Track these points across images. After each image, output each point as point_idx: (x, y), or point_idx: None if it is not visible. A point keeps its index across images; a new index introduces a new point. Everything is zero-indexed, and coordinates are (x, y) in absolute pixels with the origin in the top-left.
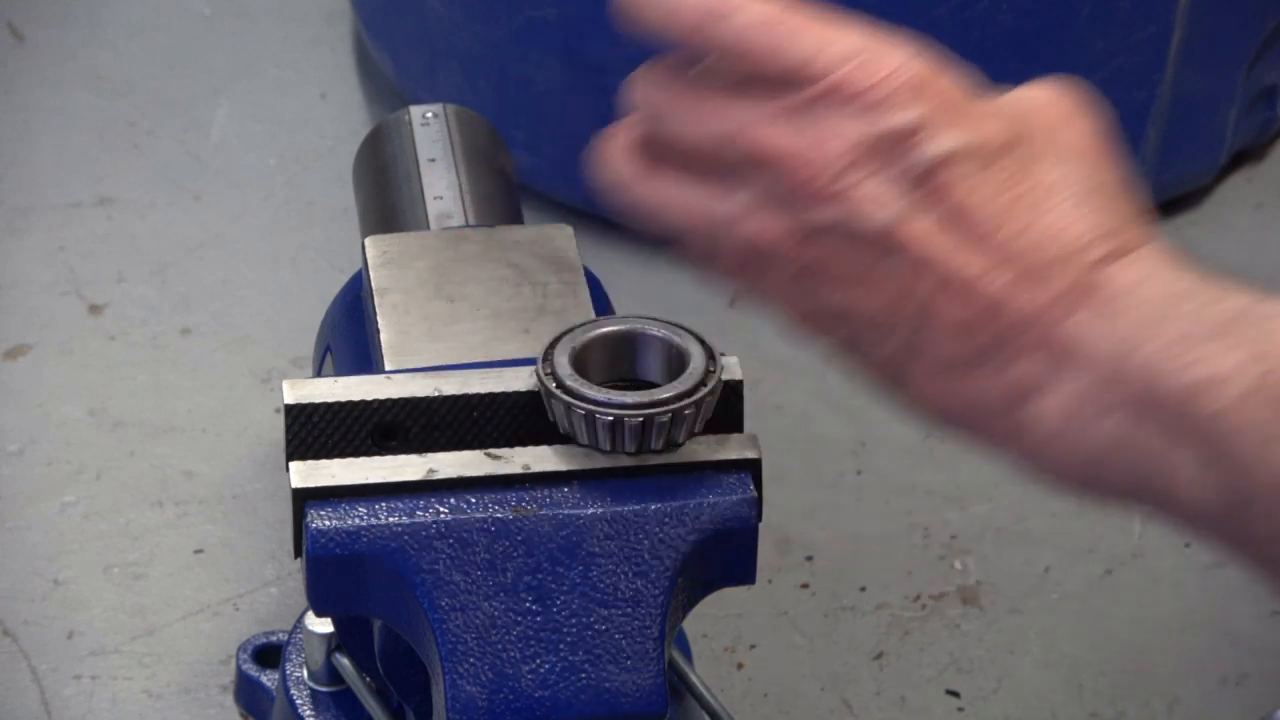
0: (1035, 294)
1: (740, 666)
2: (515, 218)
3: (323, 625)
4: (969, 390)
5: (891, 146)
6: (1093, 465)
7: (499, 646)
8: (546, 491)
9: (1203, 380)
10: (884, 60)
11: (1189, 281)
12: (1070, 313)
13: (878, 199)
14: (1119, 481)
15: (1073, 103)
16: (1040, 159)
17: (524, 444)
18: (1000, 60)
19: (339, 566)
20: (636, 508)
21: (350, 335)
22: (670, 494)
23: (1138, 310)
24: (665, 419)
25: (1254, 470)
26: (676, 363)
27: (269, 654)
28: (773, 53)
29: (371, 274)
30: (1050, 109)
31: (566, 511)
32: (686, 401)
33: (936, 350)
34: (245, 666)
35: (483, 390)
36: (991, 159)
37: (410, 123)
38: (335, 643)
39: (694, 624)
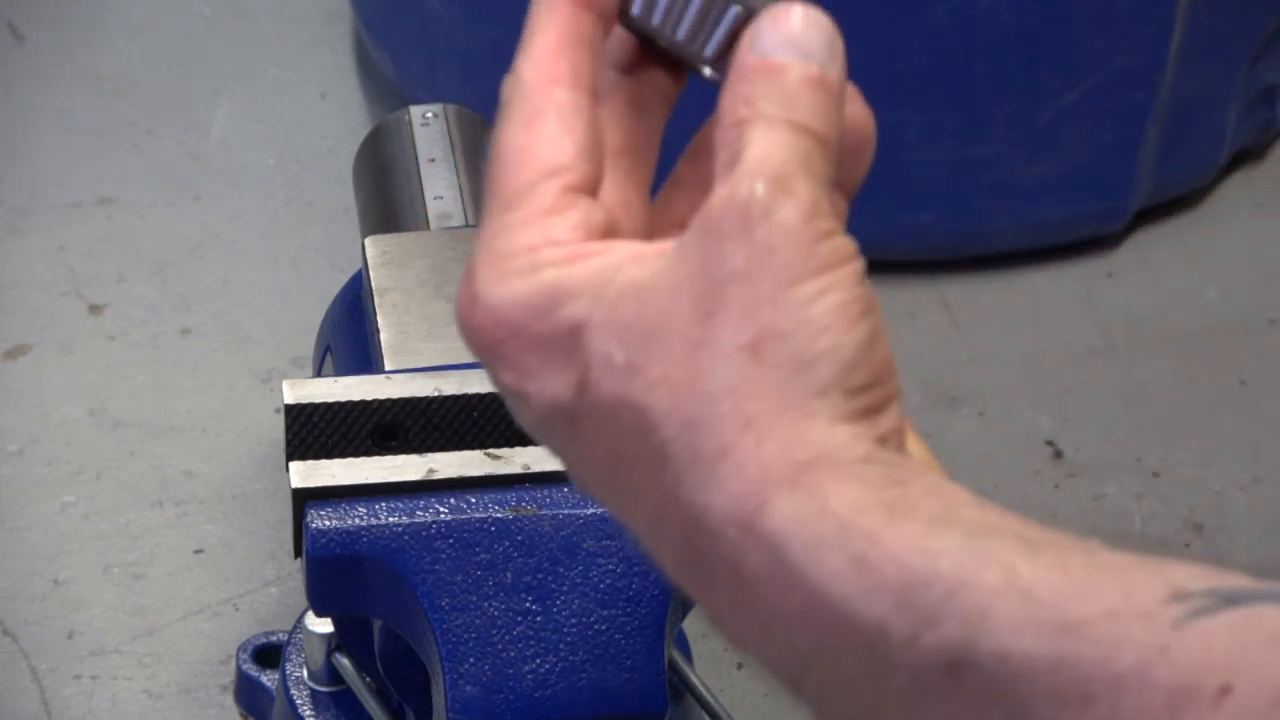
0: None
1: (740, 666)
2: None
3: (323, 625)
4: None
5: (513, 407)
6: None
7: (499, 646)
8: (546, 491)
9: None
10: (468, 310)
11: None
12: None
13: (540, 431)
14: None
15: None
16: (614, 404)
17: (524, 444)
18: (1000, 60)
19: (339, 566)
20: None
21: (350, 335)
22: None
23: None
24: None
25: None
26: None
27: (269, 654)
28: None
29: (371, 274)
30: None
31: (566, 511)
32: None
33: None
34: (245, 666)
35: (483, 390)
36: (572, 415)
37: (410, 123)
38: (335, 643)
39: (694, 624)
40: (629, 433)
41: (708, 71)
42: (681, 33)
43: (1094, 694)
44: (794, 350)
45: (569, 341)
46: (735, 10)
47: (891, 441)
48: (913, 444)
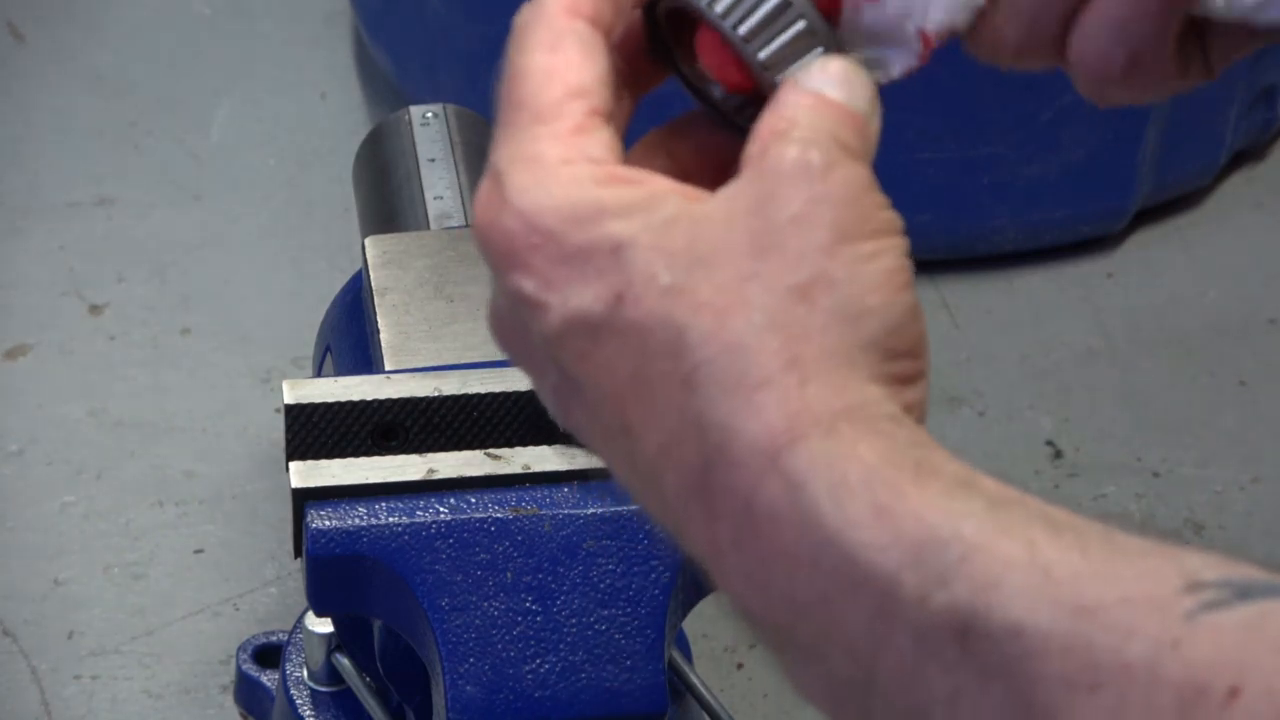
0: (674, 511)
1: (740, 666)
2: None
3: (323, 625)
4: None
5: (518, 316)
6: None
7: (499, 646)
8: (546, 491)
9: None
10: (494, 214)
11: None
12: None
13: (533, 376)
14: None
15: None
16: (649, 321)
17: (524, 444)
18: None
19: (339, 566)
20: (636, 508)
21: (350, 335)
22: None
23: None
24: None
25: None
26: None
27: (269, 654)
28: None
29: (371, 274)
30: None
31: (566, 511)
32: None
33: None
34: (245, 666)
35: (483, 390)
36: (597, 329)
37: (410, 123)
38: (335, 643)
39: (694, 624)
40: (660, 352)
41: (718, 92)
42: (745, 29)
43: (1102, 682)
44: (844, 300)
45: (607, 257)
46: (801, 26)
47: (915, 415)
48: None
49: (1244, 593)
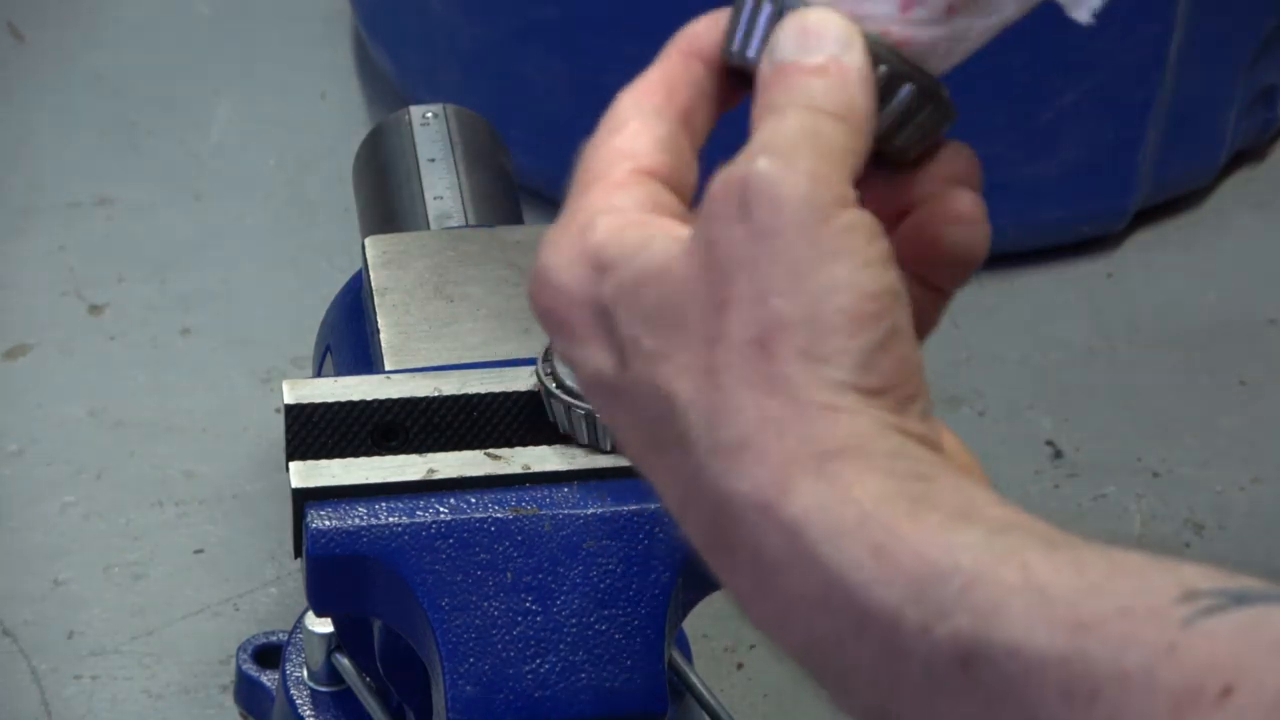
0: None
1: (740, 666)
2: (515, 218)
3: (323, 625)
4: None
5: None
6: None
7: (499, 646)
8: (546, 491)
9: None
10: (535, 281)
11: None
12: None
13: (588, 396)
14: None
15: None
16: (644, 387)
17: (524, 444)
18: (1000, 61)
19: (339, 567)
20: (636, 508)
21: (350, 335)
22: None
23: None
24: None
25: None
26: None
27: (269, 654)
28: None
29: (371, 274)
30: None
31: (566, 511)
32: None
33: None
34: (245, 666)
35: (483, 390)
36: (611, 390)
37: (410, 123)
38: (335, 643)
39: (694, 624)
40: (659, 415)
41: None
42: (734, 43)
43: (1101, 690)
44: (803, 346)
45: (604, 318)
46: (768, 10)
47: (915, 435)
48: (949, 440)
49: (1239, 599)
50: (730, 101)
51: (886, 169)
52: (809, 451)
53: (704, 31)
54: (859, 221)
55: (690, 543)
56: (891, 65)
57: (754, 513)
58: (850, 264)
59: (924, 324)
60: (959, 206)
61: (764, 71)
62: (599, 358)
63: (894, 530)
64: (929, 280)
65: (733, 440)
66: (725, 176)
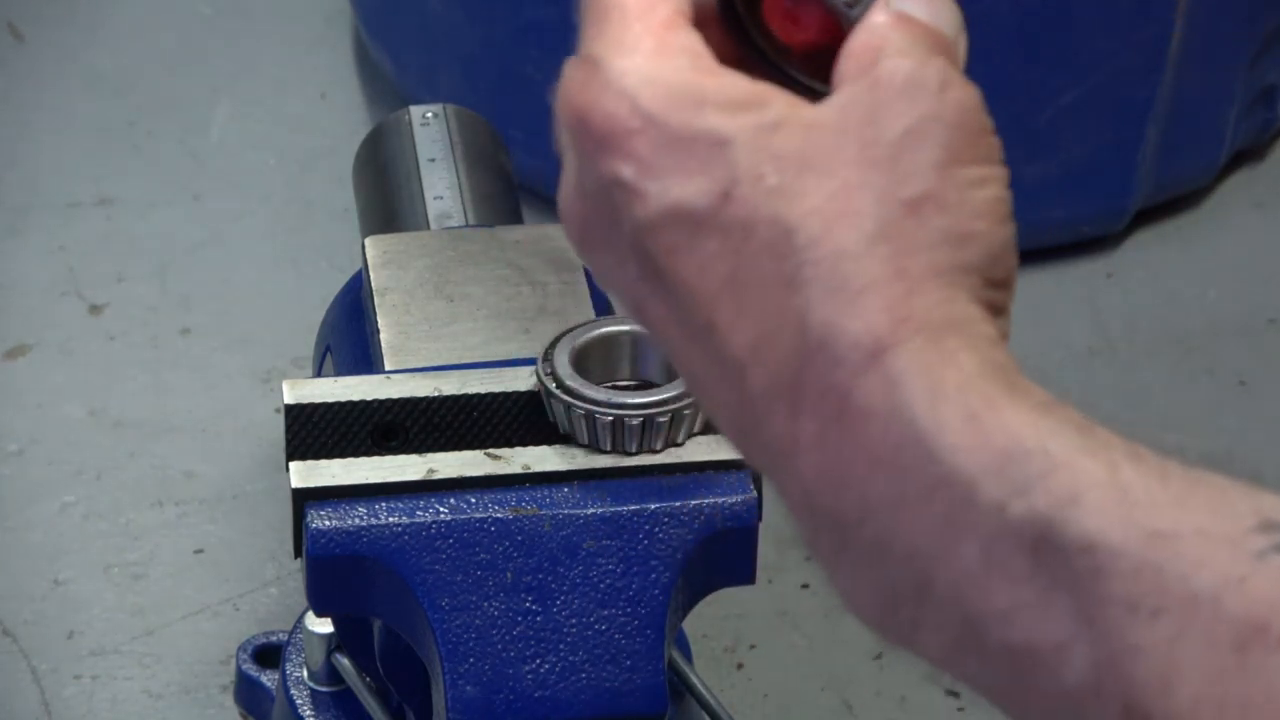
0: (761, 412)
1: (740, 666)
2: (515, 218)
3: (323, 625)
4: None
5: (607, 204)
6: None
7: (499, 646)
8: (546, 491)
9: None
10: (593, 95)
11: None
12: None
13: (608, 267)
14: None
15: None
16: (754, 221)
17: (524, 444)
18: (1000, 60)
19: (339, 567)
20: (636, 508)
21: (350, 335)
22: (670, 494)
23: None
24: (665, 419)
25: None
26: None
27: (269, 654)
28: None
29: (371, 274)
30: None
31: (566, 511)
32: (687, 401)
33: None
34: (245, 666)
35: (483, 390)
36: (699, 224)
37: (410, 123)
38: (335, 643)
39: (694, 624)
40: (763, 252)
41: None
42: None
43: (1166, 607)
44: (951, 222)
45: (713, 150)
46: None
47: (1006, 335)
48: None
49: None
50: None
51: None
52: (929, 315)
53: None
54: (1000, 145)
55: (732, 395)
56: None
57: (858, 354)
58: (997, 171)
59: None
60: None
61: (881, 16)
62: (688, 189)
63: (992, 402)
64: None
65: (859, 283)
66: (900, 66)
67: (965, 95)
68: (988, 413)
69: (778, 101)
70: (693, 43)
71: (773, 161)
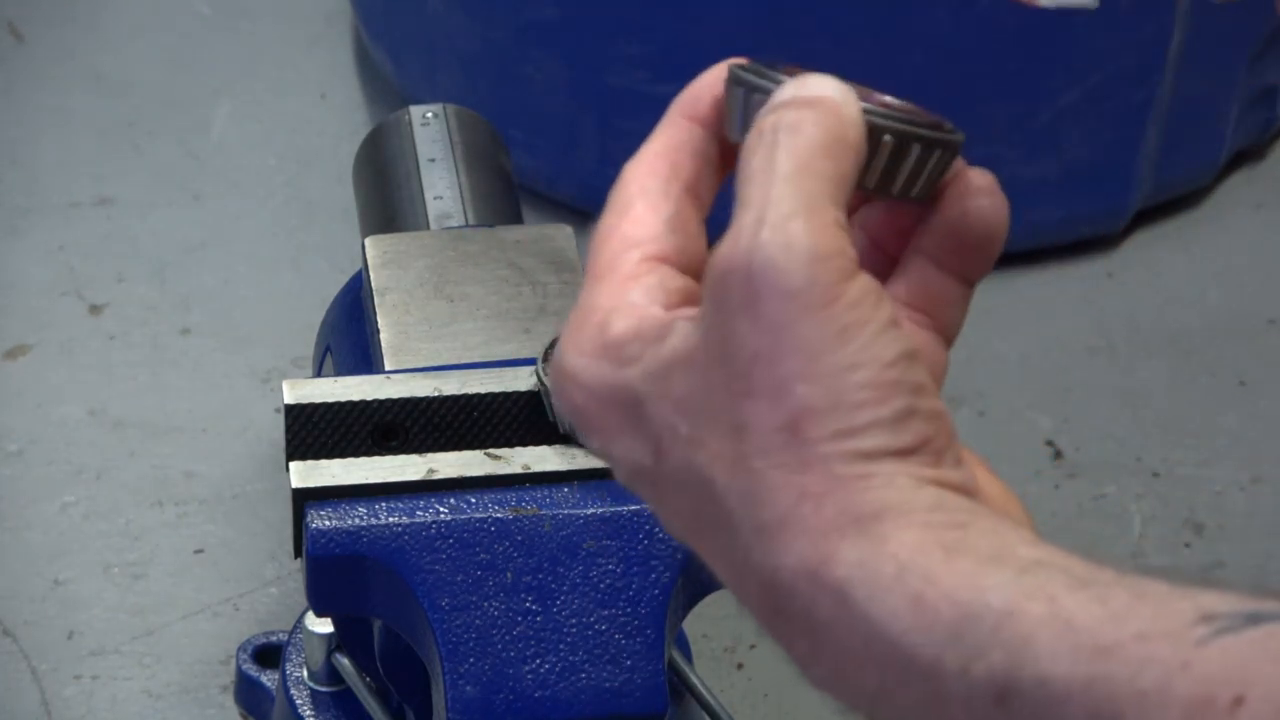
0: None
1: (740, 666)
2: (515, 218)
3: (323, 625)
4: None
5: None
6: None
7: (499, 646)
8: (546, 491)
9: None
10: (557, 378)
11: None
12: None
13: (631, 489)
14: None
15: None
16: (685, 470)
17: (524, 444)
18: (1001, 61)
19: (339, 567)
20: (636, 508)
21: (350, 335)
22: None
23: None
24: None
25: None
26: None
27: (269, 654)
28: None
29: (371, 274)
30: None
31: (566, 511)
32: None
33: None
34: (245, 666)
35: (483, 390)
36: (652, 479)
37: (410, 123)
38: (335, 643)
39: (694, 624)
40: (701, 500)
41: None
42: (736, 135)
43: (1122, 711)
44: (834, 427)
45: (632, 409)
46: (739, 93)
47: (951, 484)
48: (984, 478)
49: (1254, 618)
50: (733, 165)
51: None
52: (848, 519)
53: (705, 92)
54: (864, 290)
55: (751, 614)
56: (893, 129)
57: (802, 582)
58: (864, 337)
59: (953, 325)
60: (973, 180)
61: (746, 142)
62: (636, 450)
63: (930, 578)
64: (958, 269)
65: (773, 520)
66: (727, 261)
67: (798, 276)
68: (929, 589)
69: (674, 334)
70: (641, 293)
71: (676, 409)
